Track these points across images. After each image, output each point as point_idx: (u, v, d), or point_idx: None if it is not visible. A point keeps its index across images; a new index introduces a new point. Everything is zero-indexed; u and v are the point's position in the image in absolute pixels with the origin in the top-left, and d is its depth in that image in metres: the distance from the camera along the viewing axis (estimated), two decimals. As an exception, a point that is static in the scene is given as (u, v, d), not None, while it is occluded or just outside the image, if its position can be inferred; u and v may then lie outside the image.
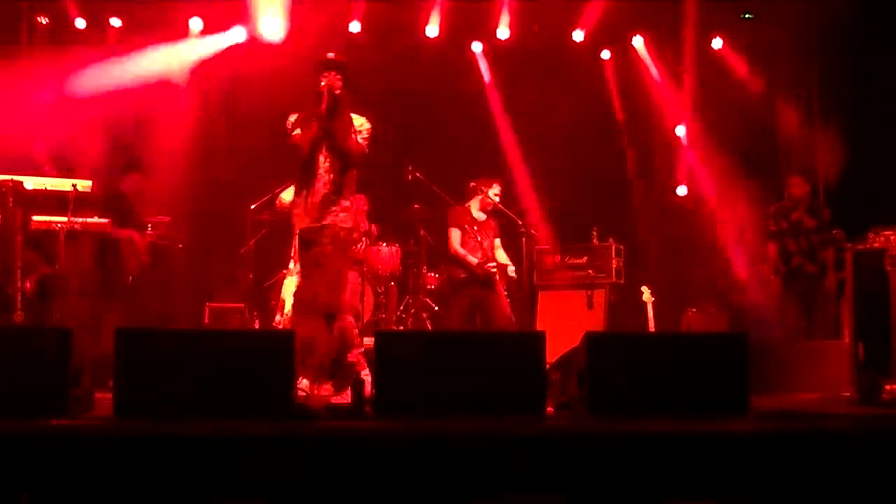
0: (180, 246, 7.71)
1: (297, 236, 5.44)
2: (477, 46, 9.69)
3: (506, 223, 7.35)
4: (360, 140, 5.33)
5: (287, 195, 6.08)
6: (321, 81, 5.29)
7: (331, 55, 5.50)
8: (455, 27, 9.38)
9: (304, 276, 5.40)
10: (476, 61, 9.70)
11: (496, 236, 7.27)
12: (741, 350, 4.08)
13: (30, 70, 8.20)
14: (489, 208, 7.21)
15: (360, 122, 5.42)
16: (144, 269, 6.90)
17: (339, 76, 5.33)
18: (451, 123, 9.39)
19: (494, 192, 7.16)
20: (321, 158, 5.30)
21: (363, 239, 7.92)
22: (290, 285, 6.28)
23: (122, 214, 6.69)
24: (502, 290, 7.03)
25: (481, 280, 6.98)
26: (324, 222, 5.27)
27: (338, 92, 5.30)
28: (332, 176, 5.27)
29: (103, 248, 6.64)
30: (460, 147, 9.23)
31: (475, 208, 7.21)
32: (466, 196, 7.31)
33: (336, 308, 5.33)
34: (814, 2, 8.54)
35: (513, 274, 7.12)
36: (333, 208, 5.28)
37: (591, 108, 9.41)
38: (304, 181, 5.33)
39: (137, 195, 7.22)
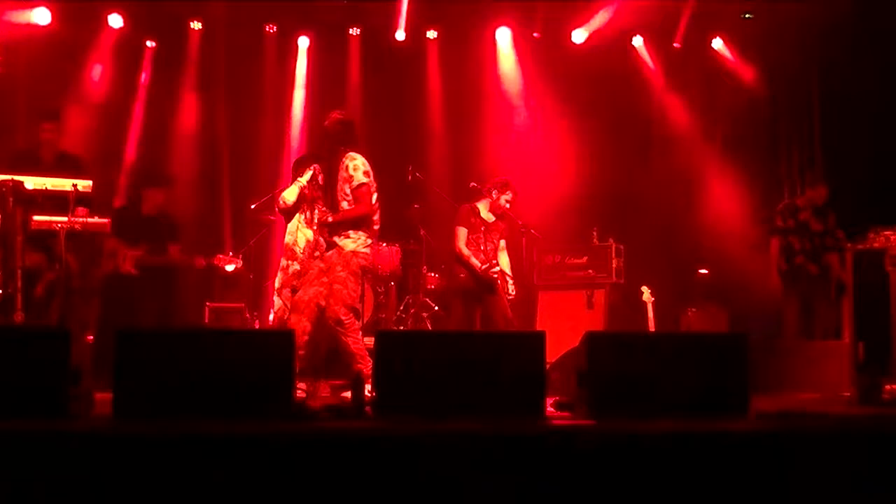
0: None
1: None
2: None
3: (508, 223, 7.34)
4: (350, 188, 5.74)
5: (289, 195, 6.04)
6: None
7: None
8: (454, 27, 9.41)
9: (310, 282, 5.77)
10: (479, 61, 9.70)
11: (502, 237, 7.24)
12: (741, 350, 4.08)
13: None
14: (499, 212, 7.16)
15: (351, 164, 5.73)
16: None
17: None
18: (452, 124, 9.39)
19: (507, 198, 7.10)
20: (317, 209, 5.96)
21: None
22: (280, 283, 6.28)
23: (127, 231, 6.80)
24: (503, 292, 7.00)
25: (483, 283, 6.94)
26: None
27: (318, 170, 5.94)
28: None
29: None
30: (461, 147, 9.23)
31: (485, 209, 7.13)
32: (474, 195, 7.23)
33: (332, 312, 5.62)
34: (814, 2, 8.54)
35: (512, 292, 7.09)
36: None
37: (592, 107, 9.40)
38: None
39: (159, 209, 7.20)
